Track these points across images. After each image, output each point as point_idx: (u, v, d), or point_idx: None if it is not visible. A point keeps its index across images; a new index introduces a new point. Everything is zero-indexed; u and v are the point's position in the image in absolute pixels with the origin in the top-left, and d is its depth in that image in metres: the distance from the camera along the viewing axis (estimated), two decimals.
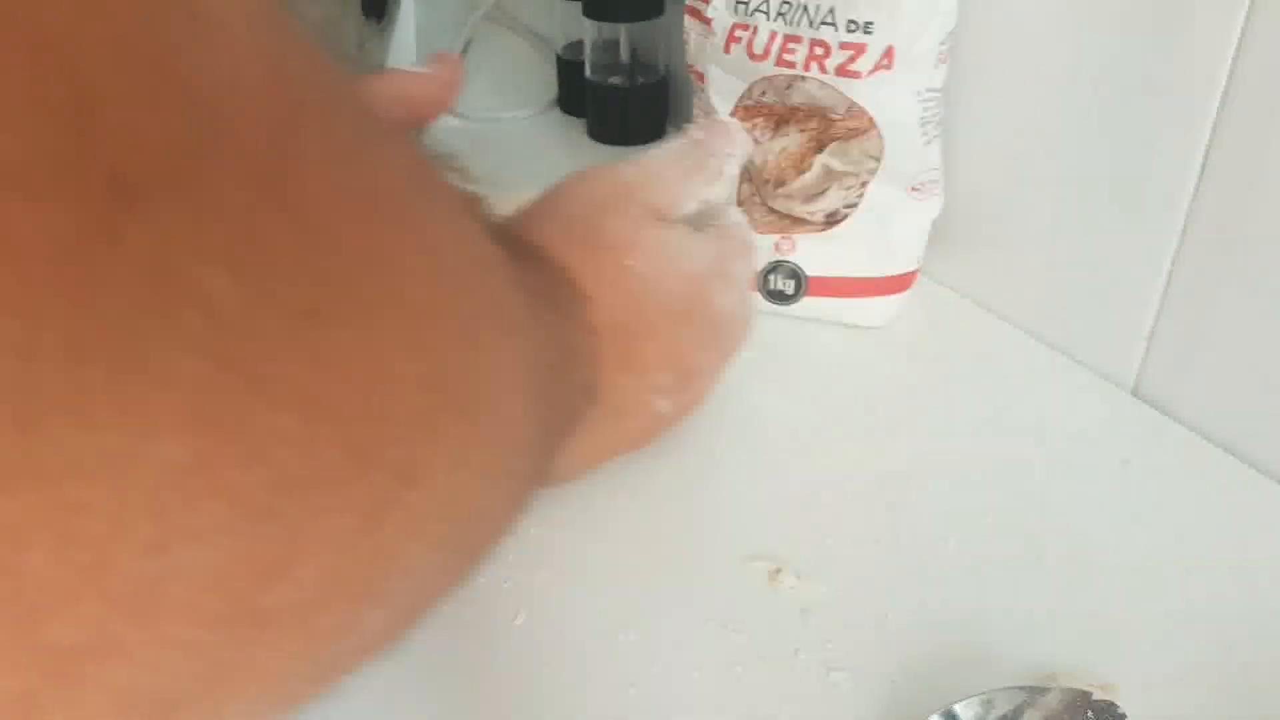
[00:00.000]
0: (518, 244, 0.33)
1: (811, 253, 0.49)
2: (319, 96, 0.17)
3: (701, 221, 0.40)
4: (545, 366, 0.26)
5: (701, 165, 0.41)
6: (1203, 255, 0.41)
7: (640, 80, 0.68)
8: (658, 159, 0.40)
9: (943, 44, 0.44)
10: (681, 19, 0.51)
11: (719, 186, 0.41)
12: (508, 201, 0.51)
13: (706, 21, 0.48)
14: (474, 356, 0.20)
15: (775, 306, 0.50)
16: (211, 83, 0.13)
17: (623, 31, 0.67)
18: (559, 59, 0.73)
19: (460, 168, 0.32)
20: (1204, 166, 0.40)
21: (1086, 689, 0.30)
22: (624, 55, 0.68)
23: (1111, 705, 0.30)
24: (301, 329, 0.14)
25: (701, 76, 0.50)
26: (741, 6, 0.46)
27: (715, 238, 0.40)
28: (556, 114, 0.74)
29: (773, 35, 0.45)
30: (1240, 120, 0.38)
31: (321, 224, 0.15)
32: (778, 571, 0.36)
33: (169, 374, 0.12)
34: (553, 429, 0.30)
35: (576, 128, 0.71)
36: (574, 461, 0.37)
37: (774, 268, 0.49)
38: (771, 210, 0.48)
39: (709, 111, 0.49)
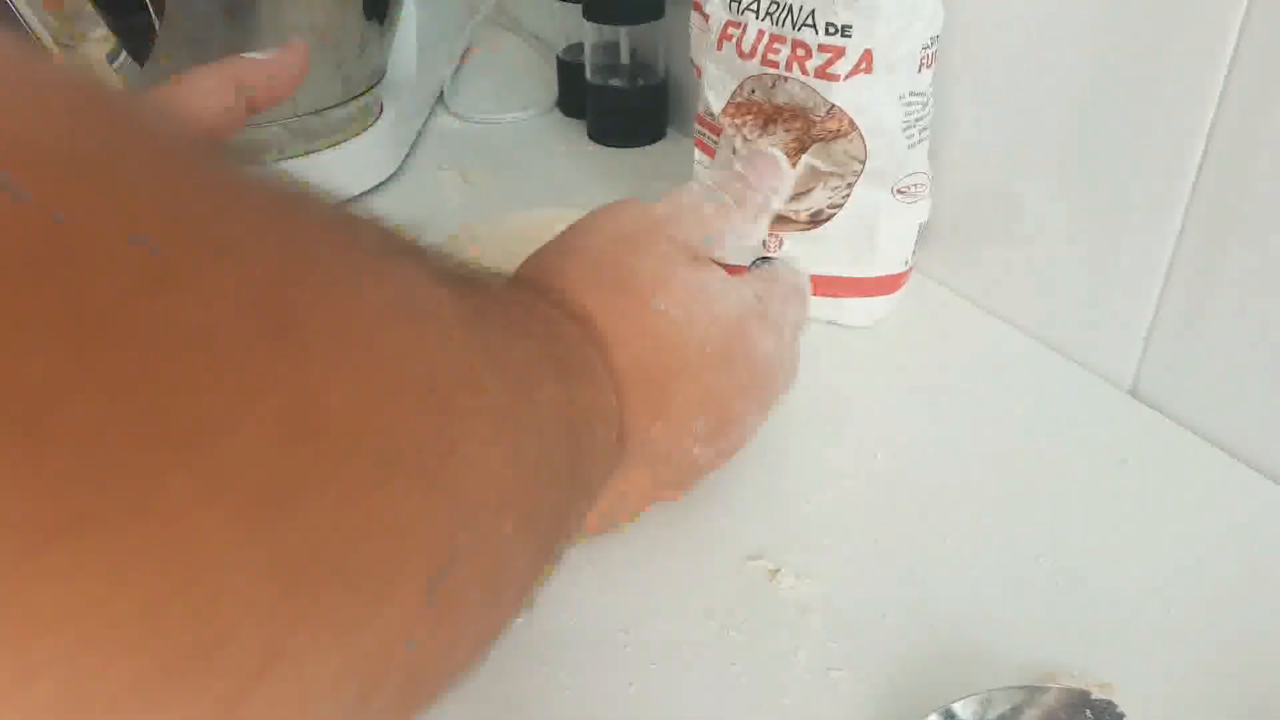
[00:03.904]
0: (517, 292, 0.31)
1: (798, 251, 0.49)
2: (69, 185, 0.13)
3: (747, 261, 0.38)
4: (534, 459, 0.24)
5: (742, 200, 0.38)
6: (1200, 255, 0.41)
7: (640, 82, 0.68)
8: (692, 193, 0.38)
9: (926, 48, 0.44)
10: (681, 21, 0.51)
11: (761, 223, 0.39)
12: (508, 206, 0.51)
13: (706, 17, 0.48)
14: (371, 514, 0.17)
15: None
16: None
17: (623, 34, 0.67)
18: (559, 61, 0.73)
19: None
20: (1201, 165, 0.40)
21: (1085, 688, 0.30)
22: (624, 57, 0.68)
23: (1110, 704, 0.30)
24: (47, 544, 0.12)
25: (700, 71, 0.50)
26: (735, 4, 0.46)
27: (757, 280, 0.38)
28: (556, 116, 0.74)
29: (760, 34, 0.46)
30: (1238, 118, 0.38)
31: (54, 405, 0.12)
32: (777, 571, 0.37)
33: None
34: (560, 508, 0.27)
35: (576, 129, 0.71)
36: (611, 515, 0.36)
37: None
38: None
39: (708, 108, 0.49)
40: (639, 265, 0.34)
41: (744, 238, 0.38)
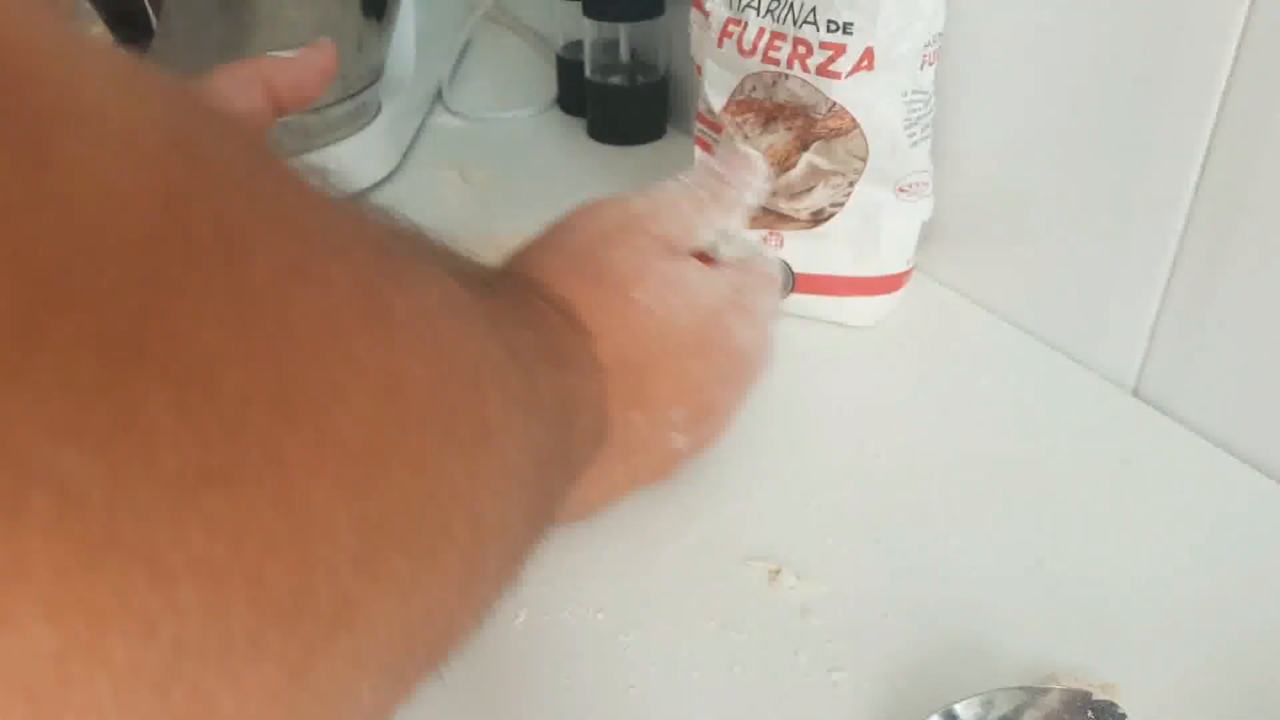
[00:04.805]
0: (512, 285, 0.32)
1: (799, 249, 0.49)
2: (227, 198, 0.15)
3: (725, 254, 0.39)
4: (540, 444, 0.25)
5: (717, 195, 0.39)
6: (1203, 254, 0.41)
7: (640, 80, 0.68)
8: (669, 190, 0.39)
9: (928, 46, 0.44)
10: (681, 18, 0.50)
11: (736, 218, 0.40)
12: (507, 204, 0.51)
13: (707, 14, 0.48)
14: (433, 483, 0.19)
15: None
16: (63, 224, 0.12)
17: (623, 31, 0.67)
18: (559, 58, 0.73)
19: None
20: (1204, 164, 0.40)
21: (1086, 689, 0.30)
22: (624, 55, 0.68)
23: (1111, 705, 0.30)
24: (191, 496, 0.13)
25: (700, 69, 0.50)
26: (735, 1, 0.46)
27: (732, 271, 0.39)
28: (556, 114, 0.74)
29: (761, 31, 0.45)
30: (1241, 117, 0.38)
31: (213, 373, 0.14)
32: (778, 571, 0.36)
33: (20, 564, 0.12)
34: (553, 490, 0.29)
35: (576, 127, 0.71)
36: (588, 501, 0.36)
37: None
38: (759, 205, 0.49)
39: (708, 105, 0.49)
40: (616, 259, 0.35)
41: (720, 232, 0.39)
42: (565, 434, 0.29)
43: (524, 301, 0.31)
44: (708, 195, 0.39)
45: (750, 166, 0.41)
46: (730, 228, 0.40)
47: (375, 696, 0.18)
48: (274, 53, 0.39)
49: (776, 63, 0.45)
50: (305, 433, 0.15)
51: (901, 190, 0.47)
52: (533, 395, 0.25)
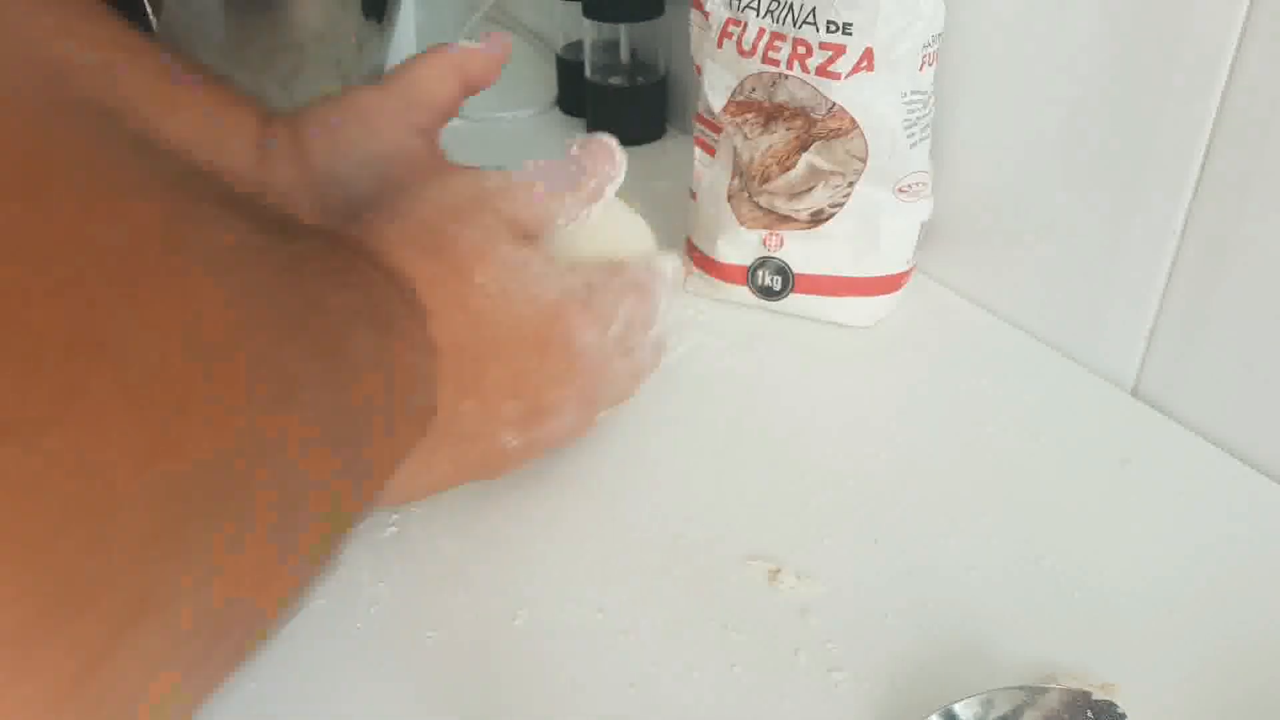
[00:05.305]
0: (332, 244, 0.30)
1: (799, 250, 0.49)
2: (20, 135, 0.15)
3: (608, 255, 0.38)
4: (354, 409, 0.24)
5: (576, 182, 0.37)
6: (1202, 255, 0.41)
7: (640, 80, 0.68)
8: (526, 170, 0.37)
9: (927, 47, 0.44)
10: (681, 19, 0.51)
11: (595, 208, 0.38)
12: None
13: (707, 15, 0.48)
14: (236, 442, 0.18)
15: (764, 302, 0.50)
16: None
17: (623, 32, 0.67)
18: (559, 59, 0.73)
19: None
20: (1203, 165, 0.40)
21: (1086, 689, 0.30)
22: (624, 55, 0.68)
23: (1111, 705, 0.30)
24: None
25: (700, 69, 0.50)
26: (735, 1, 0.46)
27: (596, 269, 0.37)
28: (556, 114, 0.74)
29: (760, 32, 0.45)
30: (1240, 117, 0.38)
31: (8, 309, 0.13)
32: (777, 571, 0.37)
33: None
34: (371, 465, 0.28)
35: (576, 128, 0.71)
36: (408, 489, 0.35)
37: (761, 263, 0.49)
38: (758, 206, 0.49)
39: (708, 106, 0.49)
40: (460, 235, 0.34)
41: (574, 221, 0.37)
42: (390, 405, 0.28)
43: (346, 262, 0.29)
44: (565, 180, 0.37)
45: (610, 155, 0.38)
46: (585, 218, 0.38)
47: (177, 690, 0.17)
48: (463, 42, 0.45)
49: (776, 63, 0.45)
50: (104, 375, 0.14)
51: (901, 190, 0.47)
52: (342, 356, 0.24)
